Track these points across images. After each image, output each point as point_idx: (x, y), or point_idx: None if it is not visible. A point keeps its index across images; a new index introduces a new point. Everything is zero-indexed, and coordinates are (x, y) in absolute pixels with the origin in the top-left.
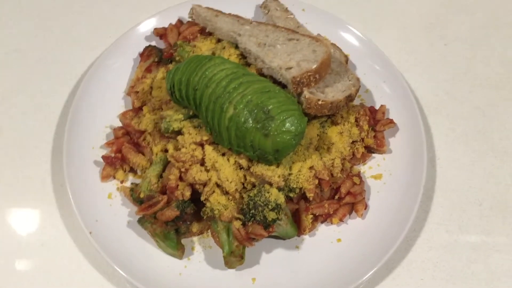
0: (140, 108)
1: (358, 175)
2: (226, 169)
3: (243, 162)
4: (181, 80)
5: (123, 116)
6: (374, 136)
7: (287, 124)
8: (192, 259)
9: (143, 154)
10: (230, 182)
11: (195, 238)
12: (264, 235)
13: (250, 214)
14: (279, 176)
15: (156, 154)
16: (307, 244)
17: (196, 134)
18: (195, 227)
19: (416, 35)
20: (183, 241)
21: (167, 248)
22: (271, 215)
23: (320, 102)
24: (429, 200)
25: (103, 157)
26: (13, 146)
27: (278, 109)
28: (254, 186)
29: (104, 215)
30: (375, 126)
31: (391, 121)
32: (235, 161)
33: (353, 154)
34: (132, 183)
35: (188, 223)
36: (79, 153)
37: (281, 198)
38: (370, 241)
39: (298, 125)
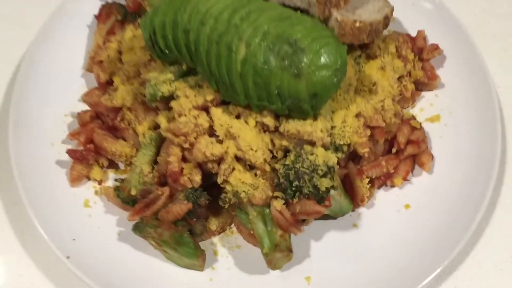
0: (109, 83)
1: (414, 118)
2: (246, 135)
3: (268, 120)
4: (164, 23)
5: (87, 95)
6: (422, 68)
7: (324, 56)
8: (217, 267)
9: (124, 140)
10: (256, 151)
11: (215, 239)
12: (321, 211)
13: (294, 188)
14: (321, 130)
15: (144, 135)
16: (367, 219)
17: (195, 95)
18: (213, 224)
19: None
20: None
21: (182, 258)
22: (324, 183)
23: (357, 25)
24: (501, 136)
25: (68, 152)
26: None
27: (307, 38)
28: (287, 152)
29: (83, 231)
30: (420, 55)
31: (437, 47)
32: (257, 122)
33: (401, 94)
34: (116, 180)
35: (204, 219)
36: (34, 155)
37: (333, 158)
38: (447, 200)
39: (337, 56)
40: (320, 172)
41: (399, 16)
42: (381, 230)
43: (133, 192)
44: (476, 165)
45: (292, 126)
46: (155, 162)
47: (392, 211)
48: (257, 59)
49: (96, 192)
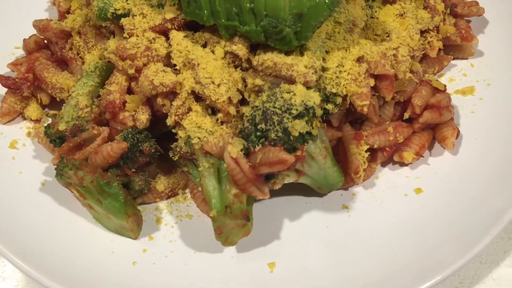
0: (70, 13)
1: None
2: (208, 64)
3: (239, 49)
4: None
5: (38, 20)
6: (455, 24)
7: None
8: (157, 237)
9: (72, 74)
10: (218, 86)
11: (162, 204)
12: (287, 160)
13: (258, 133)
14: (306, 66)
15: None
16: (362, 201)
17: (155, 14)
18: (161, 184)
19: None
20: (143, 212)
21: (110, 218)
22: (298, 126)
23: None
24: None
25: None
26: None
27: None
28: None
29: None
30: (454, 8)
31: (477, 3)
32: (226, 53)
33: (424, 53)
34: (48, 115)
35: (149, 176)
36: None
37: (314, 98)
38: (471, 188)
39: None
40: (294, 111)
41: None
42: (379, 216)
43: (62, 128)
44: None
45: (268, 57)
46: (98, 96)
47: (397, 194)
48: None
49: (28, 134)
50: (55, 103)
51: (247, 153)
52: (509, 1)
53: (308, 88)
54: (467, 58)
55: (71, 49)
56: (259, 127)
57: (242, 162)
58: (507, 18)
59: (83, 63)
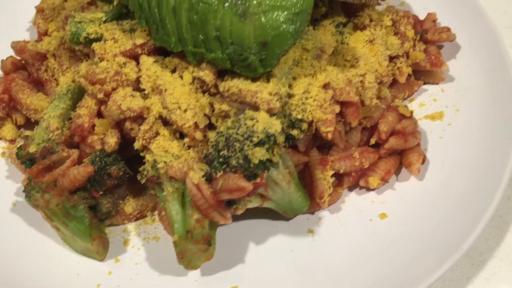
0: (49, 34)
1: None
2: (176, 90)
3: (206, 75)
4: None
5: (16, 42)
6: (425, 50)
7: None
8: (123, 259)
9: (47, 95)
10: (185, 111)
11: (131, 226)
12: (245, 188)
13: (221, 159)
14: (270, 93)
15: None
16: (327, 226)
17: (126, 40)
18: (129, 206)
19: None
20: (111, 233)
21: (76, 240)
22: (258, 153)
23: None
24: None
25: None
26: None
27: None
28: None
29: None
30: (425, 34)
31: (448, 29)
32: (194, 79)
33: (394, 79)
34: (20, 136)
35: (118, 199)
36: None
37: (276, 125)
38: (435, 214)
39: None
40: (255, 139)
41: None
42: (343, 241)
43: (32, 150)
44: (480, 177)
45: (234, 83)
46: (70, 118)
47: (362, 219)
48: None
49: (3, 154)
50: (31, 124)
51: (210, 178)
52: (481, 27)
53: (273, 115)
54: (438, 83)
55: (46, 71)
56: (221, 153)
57: (203, 188)
58: (478, 44)
59: (57, 85)
